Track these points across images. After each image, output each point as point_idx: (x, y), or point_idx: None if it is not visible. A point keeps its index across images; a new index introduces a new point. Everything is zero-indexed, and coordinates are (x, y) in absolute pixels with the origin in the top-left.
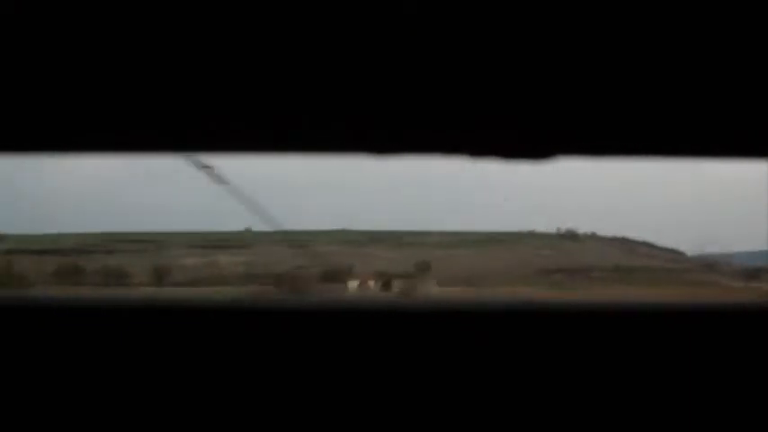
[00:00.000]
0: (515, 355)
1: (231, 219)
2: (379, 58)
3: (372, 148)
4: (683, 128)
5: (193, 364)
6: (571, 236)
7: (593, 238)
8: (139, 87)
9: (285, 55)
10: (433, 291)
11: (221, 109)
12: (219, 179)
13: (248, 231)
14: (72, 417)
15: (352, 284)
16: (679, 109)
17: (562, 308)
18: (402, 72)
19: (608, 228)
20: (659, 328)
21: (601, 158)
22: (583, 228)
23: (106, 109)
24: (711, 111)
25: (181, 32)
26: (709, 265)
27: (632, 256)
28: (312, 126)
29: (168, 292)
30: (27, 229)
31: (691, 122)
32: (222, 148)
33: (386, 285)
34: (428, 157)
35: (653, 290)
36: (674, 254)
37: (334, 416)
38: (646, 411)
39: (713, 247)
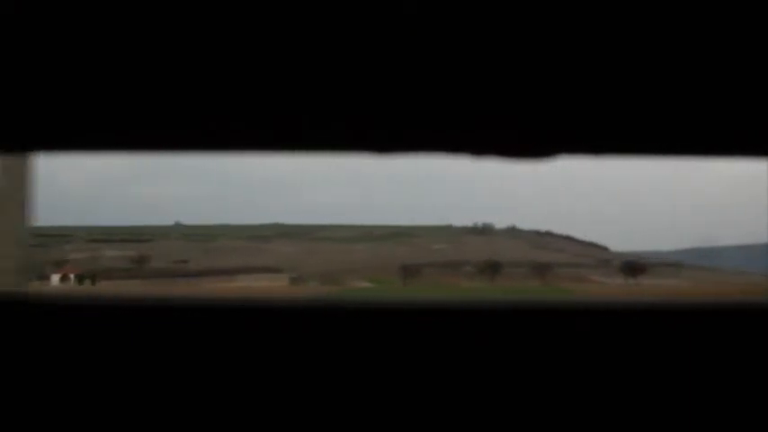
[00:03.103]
0: (515, 354)
1: (169, 212)
2: (380, 57)
3: (373, 147)
4: (684, 127)
5: (195, 363)
6: (484, 230)
7: (509, 232)
8: (139, 87)
9: (285, 55)
10: (279, 287)
11: (221, 109)
12: None
13: (177, 225)
14: (72, 416)
15: (55, 278)
16: (679, 108)
17: (562, 308)
18: (402, 72)
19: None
20: (659, 328)
21: (601, 157)
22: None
23: (106, 108)
24: (712, 110)
25: (181, 32)
26: (606, 261)
27: (536, 250)
28: (312, 125)
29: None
30: None
31: (691, 121)
32: (222, 147)
33: (82, 280)
34: (429, 155)
35: (509, 284)
36: (597, 249)
37: (334, 416)
38: (646, 411)
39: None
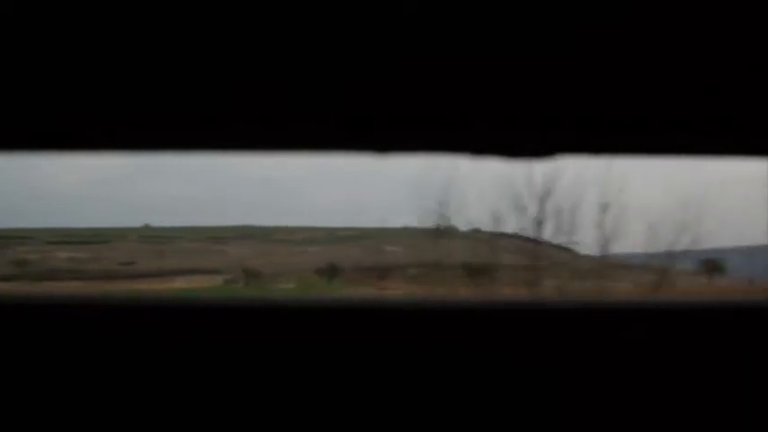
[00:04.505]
0: (515, 354)
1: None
2: (380, 57)
3: (373, 146)
4: (684, 127)
5: (195, 363)
6: (445, 232)
7: (472, 233)
8: (139, 86)
9: (285, 54)
10: (210, 288)
11: (221, 109)
12: None
13: (146, 228)
14: (71, 417)
15: None
16: (679, 108)
17: (562, 308)
18: (402, 71)
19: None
20: (659, 328)
21: (601, 157)
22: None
23: (105, 108)
24: (712, 109)
25: (180, 31)
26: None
27: (492, 252)
28: (312, 125)
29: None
30: None
31: (691, 121)
32: (222, 147)
33: None
34: (429, 155)
35: (434, 287)
36: (562, 251)
37: (334, 416)
38: (646, 411)
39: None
